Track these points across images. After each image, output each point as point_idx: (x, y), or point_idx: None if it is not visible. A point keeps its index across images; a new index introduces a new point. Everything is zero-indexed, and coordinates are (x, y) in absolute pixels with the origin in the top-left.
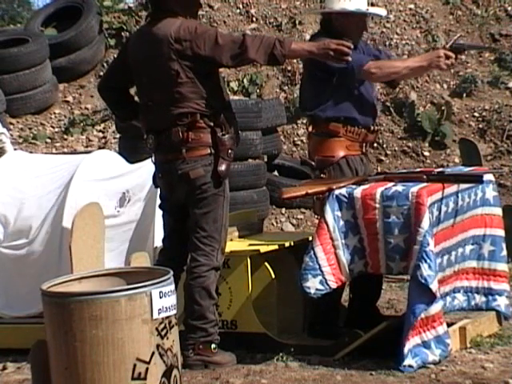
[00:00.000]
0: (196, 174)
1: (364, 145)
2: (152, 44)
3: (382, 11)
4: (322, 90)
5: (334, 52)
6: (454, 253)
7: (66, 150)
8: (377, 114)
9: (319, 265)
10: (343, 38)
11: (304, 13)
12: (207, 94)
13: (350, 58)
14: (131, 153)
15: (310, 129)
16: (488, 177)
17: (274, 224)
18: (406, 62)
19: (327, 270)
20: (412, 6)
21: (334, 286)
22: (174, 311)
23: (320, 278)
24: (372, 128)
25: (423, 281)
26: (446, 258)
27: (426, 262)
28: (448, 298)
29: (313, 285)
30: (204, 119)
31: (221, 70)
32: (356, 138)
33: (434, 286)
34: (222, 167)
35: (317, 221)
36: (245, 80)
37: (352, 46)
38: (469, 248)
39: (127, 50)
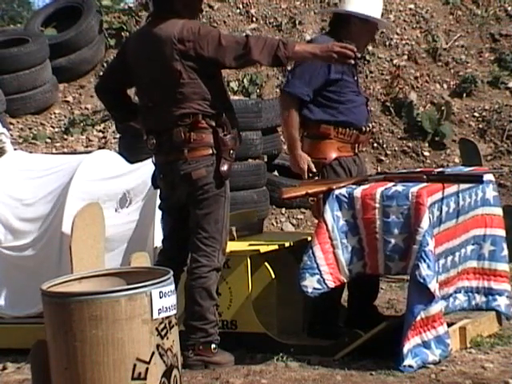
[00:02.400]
0: (198, 174)
1: (356, 146)
2: (154, 44)
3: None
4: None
5: (338, 54)
6: (457, 254)
7: (65, 150)
8: (369, 115)
9: (317, 264)
10: (345, 41)
11: (305, 12)
12: (209, 94)
13: (352, 61)
14: (131, 153)
15: (301, 131)
16: (488, 177)
17: (274, 224)
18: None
19: (325, 270)
20: (412, 6)
21: (331, 285)
22: (174, 311)
23: (318, 277)
24: (364, 129)
25: (422, 280)
26: (449, 258)
27: (424, 261)
28: (450, 299)
29: (310, 284)
30: (206, 119)
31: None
32: (347, 140)
33: (432, 286)
34: (224, 167)
35: (317, 221)
36: (245, 80)
37: (355, 49)
38: (470, 248)
39: (126, 51)
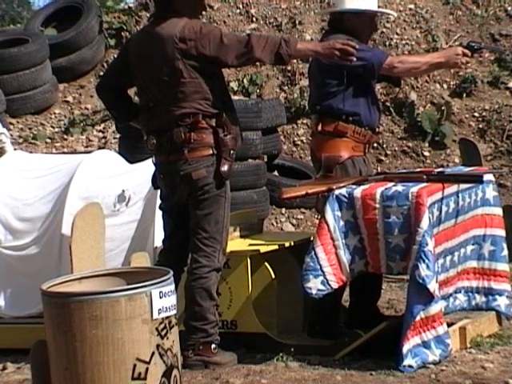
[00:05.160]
0: (198, 174)
1: (367, 146)
2: (156, 43)
3: (393, 13)
4: (337, 84)
5: (340, 52)
6: (456, 253)
7: (65, 150)
8: (381, 116)
9: (320, 265)
10: (349, 38)
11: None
12: (210, 94)
13: (354, 59)
14: (131, 153)
15: (318, 127)
16: (488, 177)
17: (274, 224)
18: (426, 58)
19: (328, 271)
20: (412, 6)
21: (335, 286)
22: (174, 311)
23: (321, 278)
24: (377, 130)
25: (421, 281)
26: (448, 258)
27: (424, 262)
28: (451, 299)
29: (314, 285)
30: (206, 119)
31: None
32: (361, 140)
33: (431, 286)
34: (225, 168)
35: (317, 221)
36: (245, 80)
37: (357, 46)
38: (470, 248)
39: (128, 50)
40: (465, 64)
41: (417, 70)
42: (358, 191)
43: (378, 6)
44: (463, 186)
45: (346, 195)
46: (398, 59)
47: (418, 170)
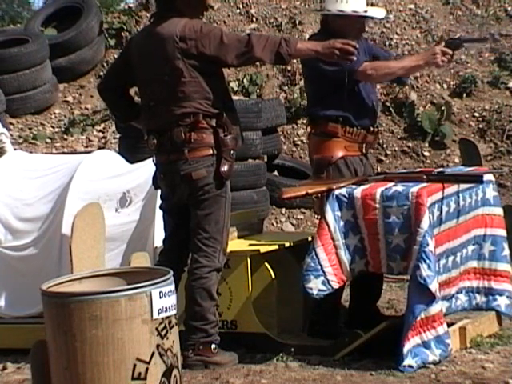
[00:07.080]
0: (198, 174)
1: (364, 145)
2: (157, 43)
3: (381, 13)
4: (321, 89)
5: (340, 51)
6: (459, 254)
7: (65, 150)
8: (377, 115)
9: (321, 265)
10: (347, 38)
11: (305, 12)
12: (211, 93)
13: (355, 58)
14: (131, 153)
15: (309, 129)
16: (488, 177)
17: (274, 224)
18: (402, 63)
19: (329, 271)
20: (412, 6)
21: (336, 286)
22: (174, 311)
23: (322, 278)
24: (372, 129)
25: (422, 281)
26: (451, 259)
27: (425, 262)
28: (453, 300)
29: (315, 285)
30: (206, 119)
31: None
32: (355, 139)
33: (433, 287)
34: (225, 168)
35: (317, 221)
36: (245, 80)
37: (357, 46)
38: (470, 248)
39: (130, 50)
40: (447, 62)
41: (392, 76)
42: (358, 191)
43: (373, 4)
44: (463, 185)
45: (346, 195)
46: (371, 66)
47: (418, 170)
